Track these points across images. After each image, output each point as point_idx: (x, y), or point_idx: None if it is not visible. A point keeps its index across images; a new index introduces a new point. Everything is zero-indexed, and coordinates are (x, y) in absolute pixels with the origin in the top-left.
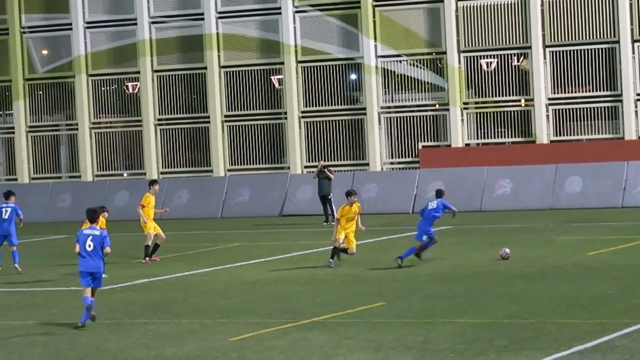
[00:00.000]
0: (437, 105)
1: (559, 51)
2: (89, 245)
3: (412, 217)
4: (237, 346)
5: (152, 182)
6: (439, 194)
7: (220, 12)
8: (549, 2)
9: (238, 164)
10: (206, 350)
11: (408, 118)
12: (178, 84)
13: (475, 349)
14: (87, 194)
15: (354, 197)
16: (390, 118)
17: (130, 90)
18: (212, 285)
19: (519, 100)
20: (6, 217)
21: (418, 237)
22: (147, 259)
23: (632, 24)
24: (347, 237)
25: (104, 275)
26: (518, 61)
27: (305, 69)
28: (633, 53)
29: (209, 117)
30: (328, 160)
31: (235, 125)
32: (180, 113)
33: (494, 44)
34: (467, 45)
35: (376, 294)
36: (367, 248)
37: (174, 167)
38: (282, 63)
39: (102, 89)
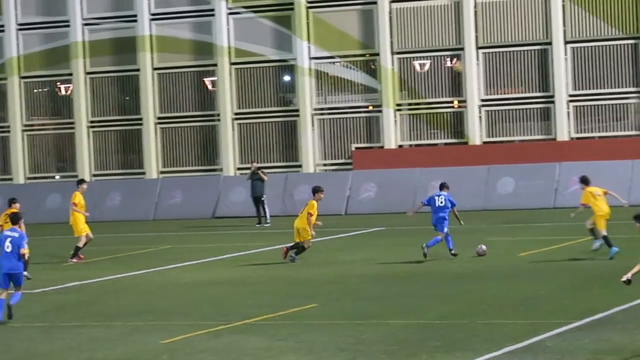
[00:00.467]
0: (370, 107)
1: (492, 52)
2: (7, 247)
3: (345, 218)
4: (169, 348)
5: (81, 181)
6: (442, 187)
7: (153, 14)
8: (482, 3)
9: (171, 166)
10: (138, 352)
11: (341, 120)
12: (111, 86)
13: (407, 350)
14: (18, 196)
15: (322, 194)
16: (323, 120)
17: (63, 92)
18: (144, 288)
19: (452, 102)
20: None
21: (440, 229)
22: (74, 259)
23: (564, 25)
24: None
25: (26, 275)
26: (451, 63)
27: (239, 70)
28: (565, 54)
29: (141, 119)
30: (261, 162)
31: (168, 127)
32: (112, 115)
33: (427, 45)
34: (400, 47)
35: (308, 295)
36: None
37: (107, 169)
38: (216, 65)
39: (35, 91)
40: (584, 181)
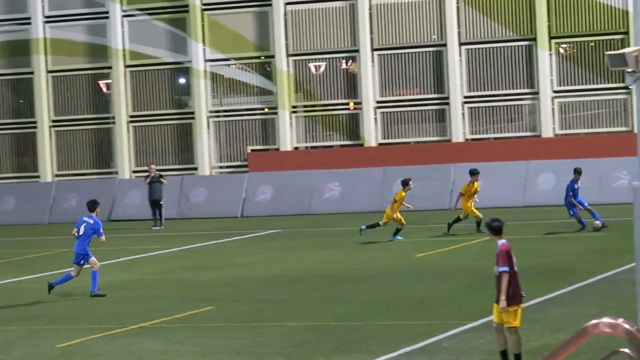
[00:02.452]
0: (266, 109)
1: (387, 54)
2: (81, 230)
3: (241, 220)
4: (65, 352)
5: None
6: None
7: (47, 17)
8: (377, 5)
9: (66, 169)
10: (33, 357)
11: (237, 122)
12: (5, 89)
13: (304, 352)
14: None
15: (478, 176)
16: (219, 122)
17: None
18: (39, 292)
19: (348, 104)
20: None
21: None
22: None
23: (459, 27)
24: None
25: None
26: (346, 64)
27: (134, 73)
28: (460, 56)
29: (36, 122)
30: (157, 165)
31: (63, 130)
32: (6, 118)
33: (322, 47)
34: (295, 49)
35: (205, 298)
36: (195, 252)
37: (1, 173)
38: (110, 67)
39: None
40: (402, 183)
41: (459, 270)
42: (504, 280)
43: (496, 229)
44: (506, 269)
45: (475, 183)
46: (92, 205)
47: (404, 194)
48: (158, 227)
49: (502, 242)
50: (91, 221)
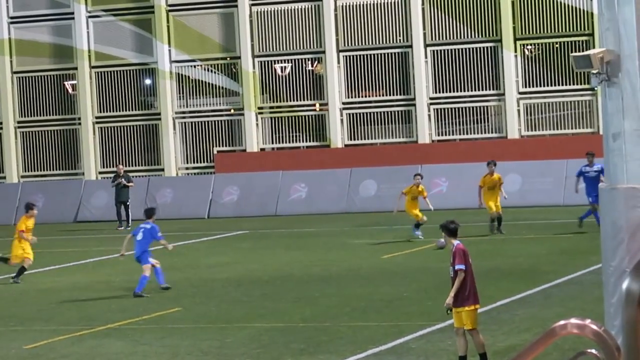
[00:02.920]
0: (232, 110)
1: (353, 55)
2: (140, 236)
3: (208, 222)
4: (32, 354)
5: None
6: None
7: (12, 17)
8: (342, 6)
9: (32, 170)
10: (0, 358)
11: (203, 123)
12: None
13: (272, 353)
14: None
15: (493, 167)
16: (185, 123)
17: None
18: (6, 293)
19: (314, 105)
20: None
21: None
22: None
23: (424, 28)
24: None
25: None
26: (312, 66)
27: (99, 74)
28: (425, 57)
29: (1, 123)
30: (123, 166)
31: (29, 131)
32: None
33: (288, 48)
34: (261, 50)
35: (172, 299)
36: (162, 253)
37: None
38: (76, 68)
39: None
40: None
41: (425, 272)
42: (458, 278)
43: (452, 231)
44: (463, 267)
45: (495, 174)
46: (149, 212)
47: (418, 188)
48: (124, 227)
49: (457, 242)
50: (148, 226)
